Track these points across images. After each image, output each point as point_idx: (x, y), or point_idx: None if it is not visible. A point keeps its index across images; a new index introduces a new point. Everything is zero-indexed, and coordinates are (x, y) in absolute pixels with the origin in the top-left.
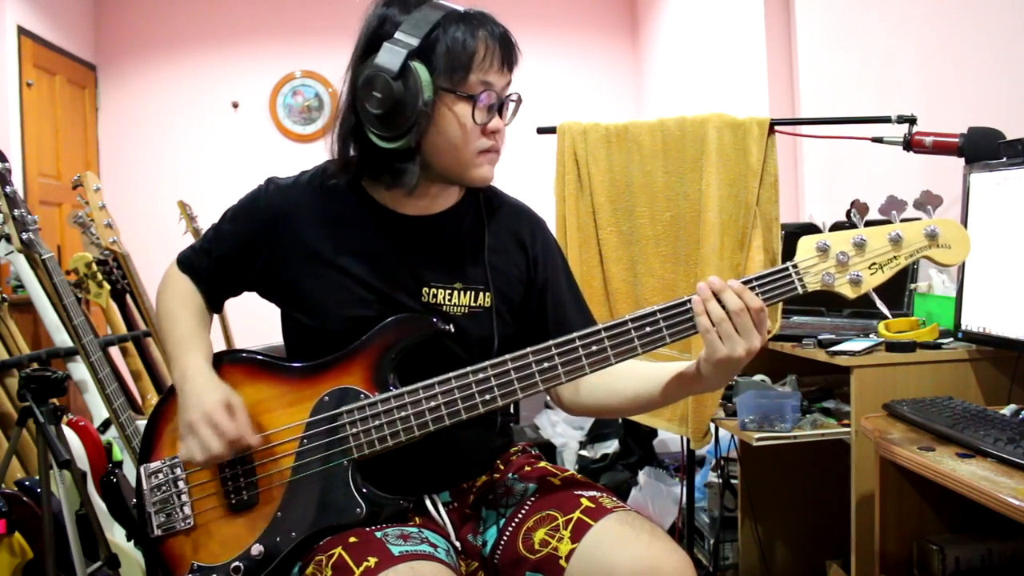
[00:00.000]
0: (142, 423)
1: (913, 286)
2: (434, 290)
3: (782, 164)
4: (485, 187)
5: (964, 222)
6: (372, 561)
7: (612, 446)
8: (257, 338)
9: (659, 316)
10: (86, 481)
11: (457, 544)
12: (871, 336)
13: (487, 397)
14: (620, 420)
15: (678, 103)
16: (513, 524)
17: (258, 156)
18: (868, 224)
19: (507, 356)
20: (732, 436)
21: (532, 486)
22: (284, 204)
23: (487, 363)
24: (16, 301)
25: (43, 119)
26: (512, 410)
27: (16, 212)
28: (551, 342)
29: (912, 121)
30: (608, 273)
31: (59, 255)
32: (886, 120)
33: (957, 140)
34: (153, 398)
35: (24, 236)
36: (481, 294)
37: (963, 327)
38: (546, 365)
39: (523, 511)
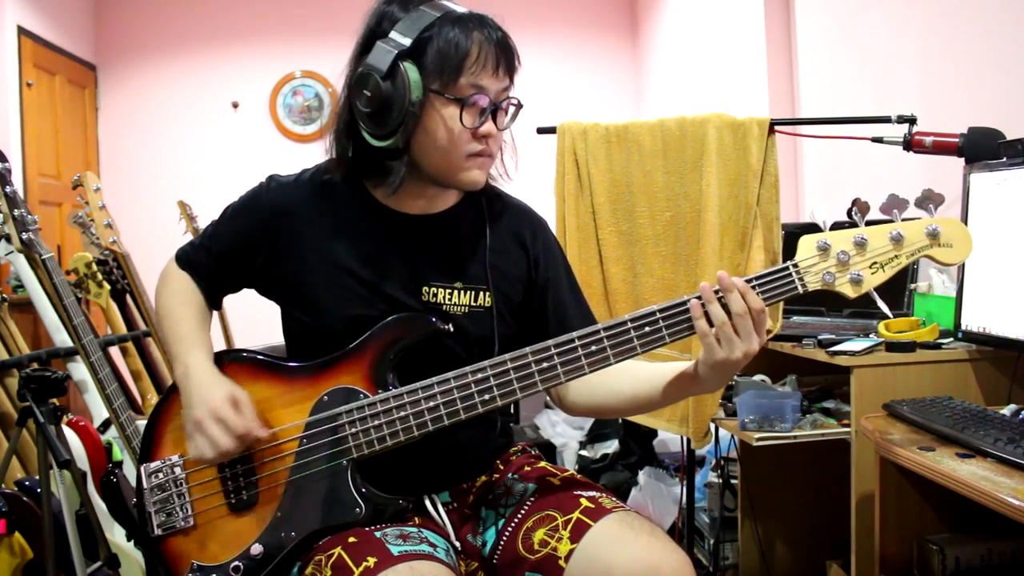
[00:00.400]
0: (142, 423)
1: (913, 286)
2: (434, 289)
3: (782, 164)
4: (486, 188)
5: (964, 222)
6: (371, 561)
7: (612, 446)
8: (257, 338)
9: (659, 316)
10: (86, 481)
11: (457, 544)
12: (871, 336)
13: (486, 397)
14: (620, 420)
15: (678, 103)
16: (512, 524)
17: (258, 156)
18: (869, 223)
19: (506, 356)
20: (732, 436)
21: (532, 486)
22: (285, 201)
23: (486, 363)
24: (16, 301)
25: (43, 119)
26: (512, 410)
27: (16, 212)
28: (550, 342)
29: (912, 121)
30: (608, 273)
31: (59, 255)
32: (886, 120)
33: (957, 140)
34: (153, 398)
35: (24, 236)
36: (481, 294)
37: (963, 327)
38: (545, 365)
39: (523, 511)
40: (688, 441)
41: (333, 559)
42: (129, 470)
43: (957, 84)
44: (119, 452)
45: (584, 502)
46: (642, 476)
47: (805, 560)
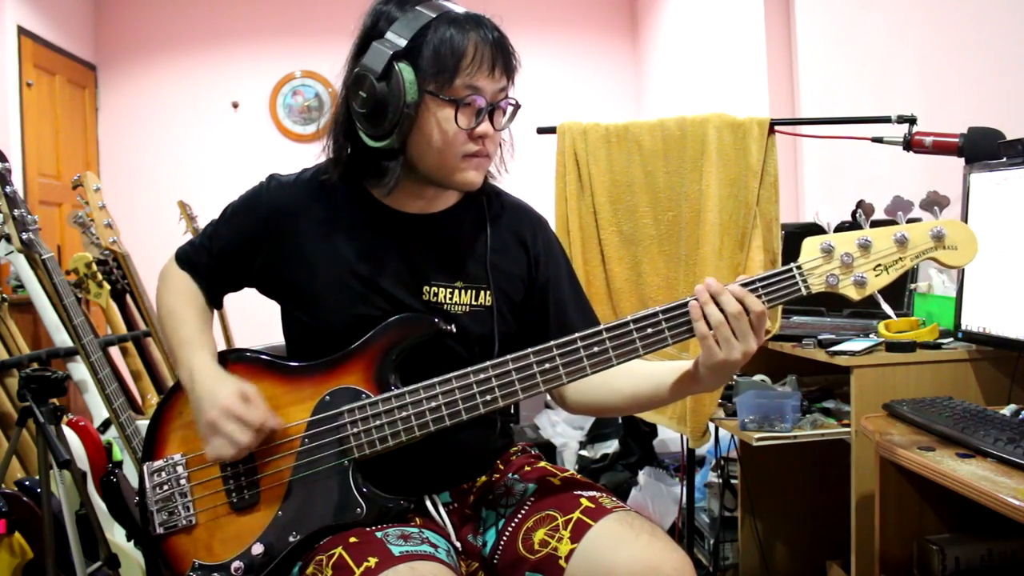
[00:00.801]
0: (142, 423)
1: (913, 286)
2: (435, 288)
3: (782, 164)
4: (486, 187)
5: (964, 222)
6: (372, 561)
7: (612, 446)
8: (257, 337)
9: (661, 317)
10: (86, 481)
11: (457, 544)
12: (871, 336)
13: (488, 397)
14: (620, 420)
15: (678, 103)
16: (513, 524)
17: (258, 156)
18: (873, 225)
19: (508, 356)
20: (732, 436)
21: (532, 486)
22: (286, 201)
23: (488, 363)
24: (16, 301)
25: (43, 119)
26: (512, 410)
27: (16, 212)
28: (552, 342)
29: (912, 121)
30: (611, 273)
31: (59, 255)
32: (886, 120)
33: (957, 140)
34: (153, 398)
35: (24, 236)
36: (482, 293)
37: (963, 327)
38: (548, 366)
39: (523, 511)
40: (688, 441)
41: (334, 559)
42: (129, 470)
43: (957, 84)
44: (119, 452)
45: (584, 502)
46: (642, 476)
47: (805, 560)
